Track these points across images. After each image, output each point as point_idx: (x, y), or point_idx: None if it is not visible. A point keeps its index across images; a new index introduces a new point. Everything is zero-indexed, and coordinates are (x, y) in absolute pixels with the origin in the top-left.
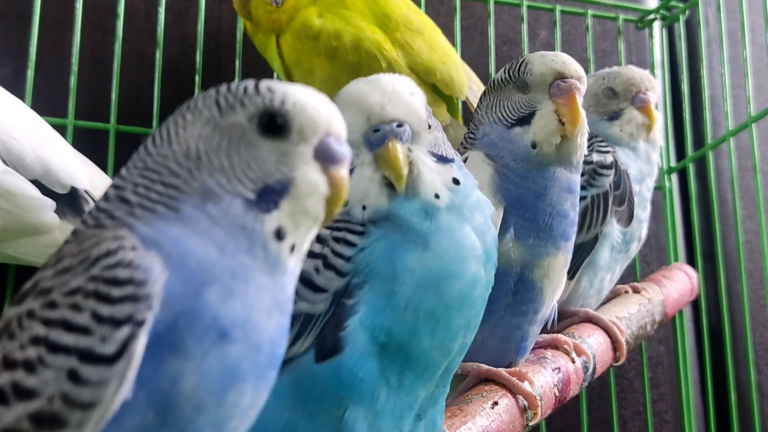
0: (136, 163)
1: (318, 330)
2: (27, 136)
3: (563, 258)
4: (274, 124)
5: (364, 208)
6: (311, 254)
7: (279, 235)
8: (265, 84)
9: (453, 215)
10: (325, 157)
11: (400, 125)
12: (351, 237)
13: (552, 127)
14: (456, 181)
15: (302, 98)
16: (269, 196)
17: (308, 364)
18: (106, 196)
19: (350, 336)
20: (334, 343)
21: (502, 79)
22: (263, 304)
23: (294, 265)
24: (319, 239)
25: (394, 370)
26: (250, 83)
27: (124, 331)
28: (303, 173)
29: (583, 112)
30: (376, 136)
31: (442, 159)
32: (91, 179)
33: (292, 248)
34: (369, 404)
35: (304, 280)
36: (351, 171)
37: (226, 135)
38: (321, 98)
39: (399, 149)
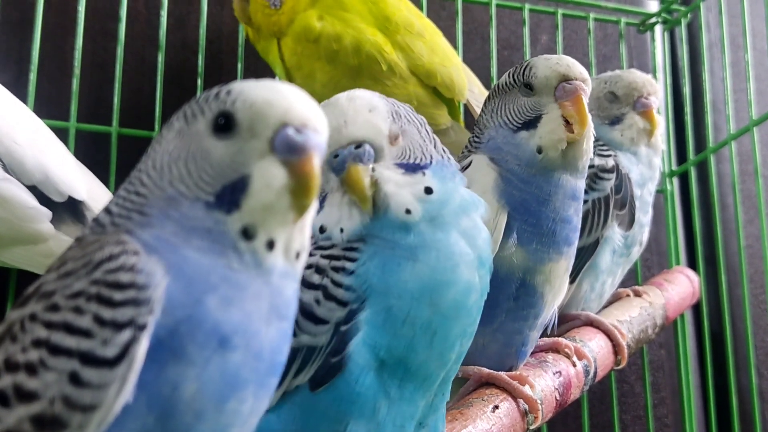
0: (128, 178)
1: (321, 361)
2: (29, 141)
3: (565, 263)
4: (226, 124)
5: (341, 230)
6: (311, 286)
7: (246, 234)
8: (227, 87)
9: (435, 225)
10: (282, 149)
11: (358, 146)
12: (349, 264)
13: (558, 132)
14: (429, 190)
15: (252, 94)
16: (228, 196)
17: (306, 391)
18: (105, 208)
19: (351, 356)
20: (330, 368)
21: (506, 83)
22: (261, 311)
23: (283, 264)
24: (318, 270)
25: (394, 383)
26: (215, 89)
27: (126, 335)
28: (258, 168)
29: (589, 115)
30: (336, 161)
31: (412, 168)
32: (89, 190)
33: (270, 245)
34: (370, 417)
35: (305, 313)
36: (324, 197)
37: (187, 144)
38: (280, 90)
39: (360, 172)
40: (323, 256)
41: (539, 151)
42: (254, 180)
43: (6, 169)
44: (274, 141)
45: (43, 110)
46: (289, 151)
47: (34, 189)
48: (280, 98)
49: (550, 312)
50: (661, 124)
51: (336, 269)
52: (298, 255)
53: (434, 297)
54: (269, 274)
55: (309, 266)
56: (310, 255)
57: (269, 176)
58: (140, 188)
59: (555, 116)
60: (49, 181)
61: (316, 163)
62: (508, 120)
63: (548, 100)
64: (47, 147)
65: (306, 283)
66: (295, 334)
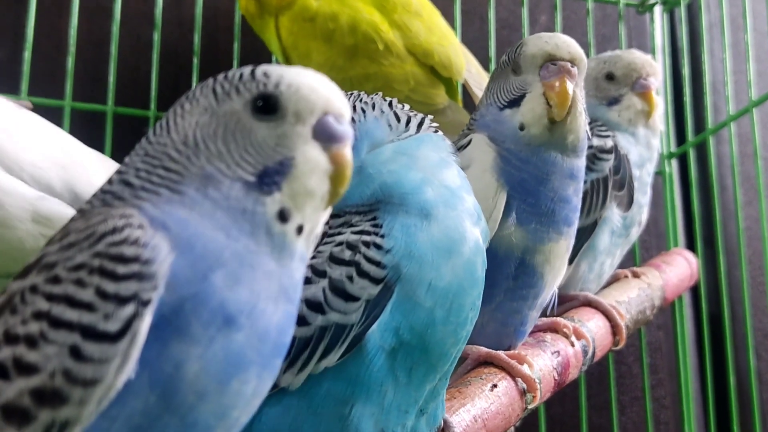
0: (138, 151)
1: (350, 340)
2: (52, 160)
3: (565, 244)
4: (269, 106)
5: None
6: (342, 262)
7: (282, 216)
8: (261, 69)
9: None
10: (324, 136)
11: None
12: (379, 240)
13: (539, 110)
14: None
15: (297, 79)
16: (269, 177)
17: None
18: (110, 180)
19: (369, 336)
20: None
21: (503, 62)
22: (270, 291)
23: (303, 248)
24: (349, 246)
25: (405, 367)
26: (246, 69)
27: (129, 309)
28: (302, 152)
29: (575, 94)
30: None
31: None
32: None
33: (300, 230)
34: (376, 401)
35: (335, 289)
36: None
37: (222, 122)
38: (318, 78)
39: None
40: (353, 232)
41: (521, 128)
42: (299, 163)
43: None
44: (316, 127)
45: (38, 89)
46: (330, 138)
47: None
48: (322, 86)
49: (549, 292)
50: (660, 105)
51: (367, 244)
52: (314, 240)
53: (452, 256)
54: (290, 258)
55: (339, 243)
56: (339, 233)
57: (314, 161)
58: (170, 163)
59: (537, 94)
60: (78, 199)
61: (350, 151)
62: (497, 98)
63: (533, 78)
64: (70, 161)
65: (336, 260)
66: (323, 312)
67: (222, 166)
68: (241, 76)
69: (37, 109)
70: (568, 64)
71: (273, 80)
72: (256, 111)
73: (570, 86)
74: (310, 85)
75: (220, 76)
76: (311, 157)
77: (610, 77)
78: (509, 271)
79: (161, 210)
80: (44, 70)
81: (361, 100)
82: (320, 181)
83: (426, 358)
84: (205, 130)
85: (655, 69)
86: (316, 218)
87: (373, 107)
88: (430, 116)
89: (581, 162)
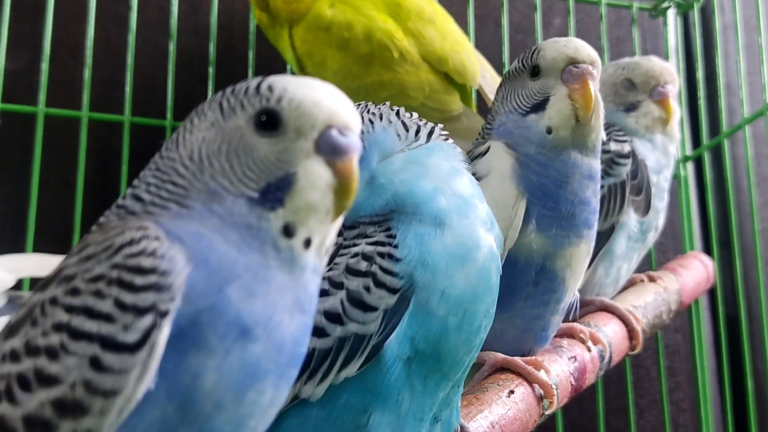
0: (151, 166)
1: (369, 350)
2: None
3: (586, 247)
4: (271, 122)
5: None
6: (359, 273)
7: (287, 232)
8: (267, 82)
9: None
10: (327, 149)
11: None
12: (394, 251)
13: (566, 112)
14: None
15: (299, 93)
16: (272, 194)
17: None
18: (124, 195)
19: (387, 346)
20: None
21: (516, 68)
22: (285, 303)
23: (314, 261)
24: (365, 257)
25: (420, 375)
26: (253, 82)
27: (147, 320)
28: (304, 167)
29: (597, 96)
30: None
31: None
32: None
33: (308, 243)
34: (393, 410)
35: (353, 300)
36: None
37: (227, 138)
38: (324, 90)
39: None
40: (368, 243)
41: (549, 131)
42: (300, 179)
43: None
44: (319, 141)
45: (55, 100)
46: (333, 152)
47: None
48: (325, 99)
49: (571, 296)
50: (677, 113)
51: (382, 255)
52: (326, 252)
53: (466, 264)
54: (301, 271)
55: (355, 254)
56: (354, 245)
57: (316, 176)
58: (177, 179)
59: (562, 97)
60: None
61: (357, 163)
62: (518, 104)
63: (555, 82)
64: None
65: (353, 271)
66: (342, 323)
67: (225, 182)
68: (246, 90)
69: (55, 120)
70: (590, 67)
71: (276, 95)
72: (258, 127)
73: (594, 87)
74: (313, 99)
75: (228, 90)
76: (313, 172)
77: (628, 83)
78: (529, 278)
79: (174, 223)
80: (61, 81)
81: (368, 111)
82: (323, 196)
83: (439, 366)
84: (210, 146)
85: (674, 76)
86: (324, 231)
87: (381, 117)
88: (441, 125)
89: (598, 163)
